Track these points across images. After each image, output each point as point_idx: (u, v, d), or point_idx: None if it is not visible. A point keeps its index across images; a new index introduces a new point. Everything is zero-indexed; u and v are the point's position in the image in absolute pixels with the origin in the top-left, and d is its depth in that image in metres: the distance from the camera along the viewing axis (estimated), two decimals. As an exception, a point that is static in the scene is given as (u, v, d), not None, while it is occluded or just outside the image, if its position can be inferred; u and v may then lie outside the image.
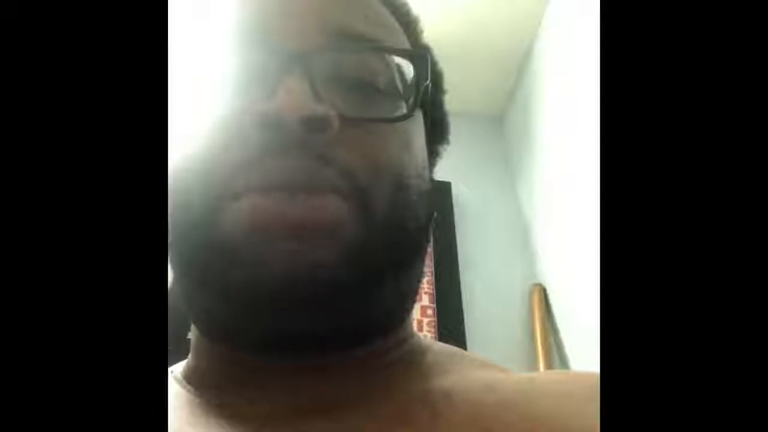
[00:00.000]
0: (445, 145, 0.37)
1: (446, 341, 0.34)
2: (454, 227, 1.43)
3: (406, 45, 0.33)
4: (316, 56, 0.26)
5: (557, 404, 0.24)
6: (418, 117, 0.31)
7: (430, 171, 0.33)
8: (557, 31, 1.40)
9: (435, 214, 0.31)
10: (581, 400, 0.24)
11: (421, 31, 0.36)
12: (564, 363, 1.21)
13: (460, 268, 1.37)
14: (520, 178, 1.59)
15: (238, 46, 0.28)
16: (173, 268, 0.27)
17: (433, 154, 0.35)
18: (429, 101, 0.32)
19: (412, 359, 0.29)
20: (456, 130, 0.38)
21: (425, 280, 1.29)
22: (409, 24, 0.34)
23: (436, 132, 0.35)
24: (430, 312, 1.26)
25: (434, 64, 0.35)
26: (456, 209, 1.46)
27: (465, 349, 0.34)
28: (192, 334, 0.31)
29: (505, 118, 1.74)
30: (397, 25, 0.33)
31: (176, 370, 0.31)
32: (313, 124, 0.24)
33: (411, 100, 0.29)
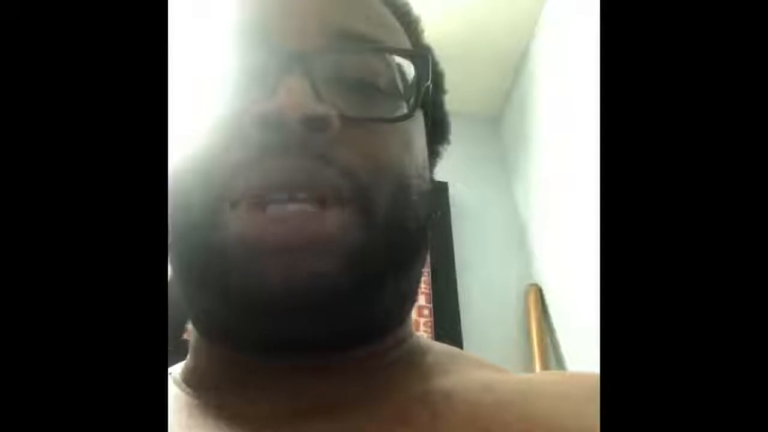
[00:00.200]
0: (445, 146, 0.37)
1: (442, 341, 0.34)
2: (451, 227, 1.43)
3: (407, 45, 0.33)
4: (317, 56, 0.26)
5: (555, 405, 0.24)
6: (419, 117, 0.31)
7: (431, 171, 0.33)
8: (554, 32, 1.40)
9: (436, 214, 0.31)
10: (579, 401, 0.24)
11: (422, 31, 0.36)
12: (560, 363, 1.21)
13: (457, 268, 1.37)
14: (517, 178, 1.59)
15: (238, 46, 0.27)
16: (173, 268, 0.27)
17: (433, 155, 0.35)
18: (430, 101, 0.32)
19: (412, 360, 0.29)
20: (453, 130, 0.38)
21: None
22: (410, 24, 0.34)
23: (437, 132, 0.35)
24: (426, 312, 1.26)
25: (435, 64, 0.35)
26: (453, 209, 1.46)
27: (461, 349, 0.34)
28: (191, 335, 0.31)
29: (502, 119, 1.74)
30: (398, 25, 0.33)
31: (175, 372, 0.31)
32: (314, 124, 0.24)
33: (412, 101, 0.29)
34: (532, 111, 1.50)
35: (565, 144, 1.28)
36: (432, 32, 0.37)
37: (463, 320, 1.28)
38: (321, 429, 0.24)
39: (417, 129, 0.30)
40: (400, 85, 0.30)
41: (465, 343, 1.23)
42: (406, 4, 0.35)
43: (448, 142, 0.37)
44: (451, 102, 0.38)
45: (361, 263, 0.24)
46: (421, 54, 0.31)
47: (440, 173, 0.38)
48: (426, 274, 1.31)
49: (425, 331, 1.22)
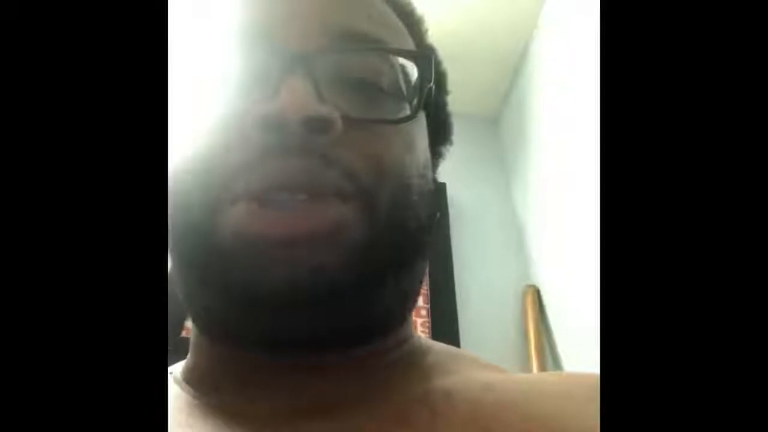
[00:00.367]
0: (447, 146, 0.37)
1: (439, 341, 0.34)
2: (449, 228, 1.43)
3: (410, 45, 0.33)
4: (319, 57, 0.26)
5: (556, 405, 0.24)
6: (421, 118, 0.31)
7: (433, 171, 0.33)
8: (553, 33, 1.40)
9: (437, 215, 0.31)
10: (580, 401, 0.24)
11: (426, 31, 0.35)
12: (557, 364, 1.21)
13: (454, 268, 1.37)
14: (515, 179, 1.59)
15: (240, 46, 0.27)
16: (173, 267, 0.27)
17: (435, 155, 0.35)
18: (432, 102, 0.32)
19: (413, 359, 0.29)
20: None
21: (419, 280, 1.28)
22: (413, 23, 0.34)
23: (439, 133, 0.35)
24: (423, 312, 1.26)
25: (438, 64, 0.34)
26: (451, 210, 1.46)
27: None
28: (191, 334, 0.31)
29: (501, 119, 1.74)
30: (401, 24, 0.33)
31: (175, 371, 0.31)
32: (316, 125, 0.24)
33: (414, 102, 0.29)
34: (531, 112, 1.50)
35: (564, 145, 1.28)
36: (431, 32, 0.37)
37: (460, 321, 1.28)
38: (321, 428, 0.24)
39: (419, 130, 0.30)
40: (403, 86, 0.30)
41: (462, 344, 1.23)
42: (409, 4, 0.35)
43: (451, 143, 0.37)
44: (449, 102, 0.38)
45: (363, 260, 0.24)
46: (424, 55, 0.31)
47: (438, 174, 0.38)
48: (424, 274, 1.30)
49: (423, 332, 1.22)
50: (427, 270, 0.32)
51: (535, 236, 1.44)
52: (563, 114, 1.29)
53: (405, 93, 0.29)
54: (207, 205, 0.25)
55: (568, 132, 1.26)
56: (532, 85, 1.51)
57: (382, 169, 0.26)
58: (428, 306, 1.27)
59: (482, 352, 0.33)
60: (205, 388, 0.28)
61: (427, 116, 0.32)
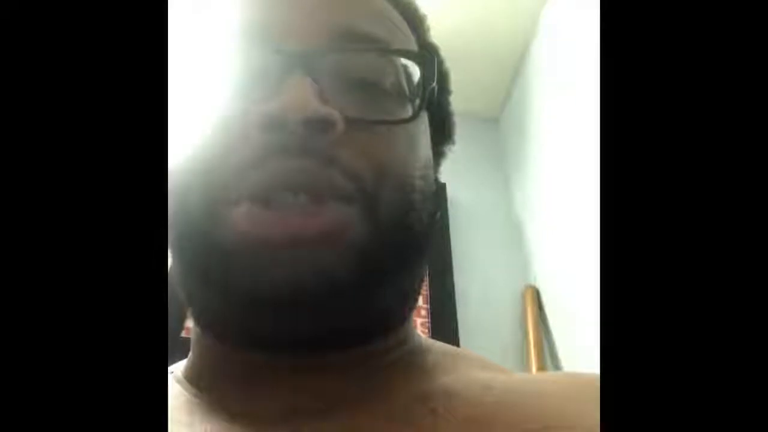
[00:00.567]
0: (450, 146, 0.37)
1: (439, 341, 0.34)
2: (449, 228, 1.43)
3: (412, 43, 0.32)
4: (321, 57, 0.26)
5: (556, 405, 0.24)
6: (423, 117, 0.31)
7: (435, 171, 0.33)
8: (553, 33, 1.40)
9: (439, 215, 0.31)
10: (580, 401, 0.24)
11: (428, 29, 0.35)
12: (556, 364, 1.21)
13: (454, 268, 1.37)
14: (515, 179, 1.59)
15: (241, 46, 0.27)
16: (174, 267, 0.27)
17: (437, 155, 0.35)
18: (435, 102, 0.32)
19: (413, 359, 0.29)
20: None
21: (419, 280, 1.28)
22: (415, 22, 0.34)
23: (441, 132, 0.35)
24: (423, 312, 1.26)
25: (440, 64, 0.34)
26: (451, 210, 1.46)
27: (457, 349, 0.34)
28: (192, 333, 0.31)
29: (501, 119, 1.74)
30: (403, 23, 0.32)
31: (176, 370, 0.31)
32: (317, 125, 0.24)
33: (417, 102, 0.28)
34: (531, 112, 1.50)
35: (564, 145, 1.28)
36: (431, 32, 0.37)
37: (460, 321, 1.28)
38: (321, 428, 0.24)
39: (421, 129, 0.30)
40: (405, 86, 0.29)
41: (461, 344, 1.23)
42: (412, 3, 0.35)
43: (453, 143, 0.37)
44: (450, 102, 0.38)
45: (364, 260, 0.24)
46: (426, 55, 0.30)
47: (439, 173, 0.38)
48: (424, 274, 1.30)
49: (422, 332, 1.22)
50: (427, 270, 0.31)
51: (534, 236, 1.44)
52: (563, 114, 1.29)
53: (407, 93, 0.29)
54: (208, 205, 0.25)
55: (568, 132, 1.26)
56: (532, 85, 1.51)
57: (383, 170, 0.26)
58: (428, 306, 1.27)
59: (481, 351, 0.33)
60: (206, 387, 0.28)
61: (430, 116, 0.32)
